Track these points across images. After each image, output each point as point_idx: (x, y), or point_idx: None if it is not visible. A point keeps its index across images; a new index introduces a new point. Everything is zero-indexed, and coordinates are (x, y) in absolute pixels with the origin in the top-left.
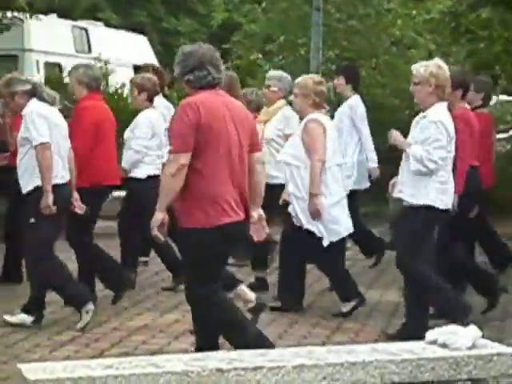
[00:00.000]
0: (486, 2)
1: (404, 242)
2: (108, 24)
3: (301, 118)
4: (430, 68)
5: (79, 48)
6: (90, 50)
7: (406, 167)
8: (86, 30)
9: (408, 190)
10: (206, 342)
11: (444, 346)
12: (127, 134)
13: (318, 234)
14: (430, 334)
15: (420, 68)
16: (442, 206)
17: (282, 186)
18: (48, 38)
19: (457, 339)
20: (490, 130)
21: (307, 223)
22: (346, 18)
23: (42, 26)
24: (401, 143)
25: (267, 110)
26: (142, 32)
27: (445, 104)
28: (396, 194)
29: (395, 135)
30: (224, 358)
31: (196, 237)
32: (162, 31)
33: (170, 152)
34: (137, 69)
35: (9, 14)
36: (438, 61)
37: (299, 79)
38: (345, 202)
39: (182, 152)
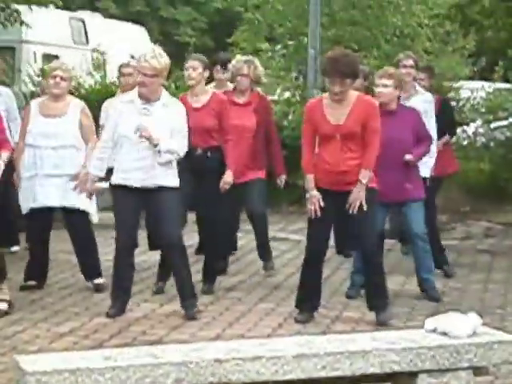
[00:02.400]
0: None
1: None
2: (106, 14)
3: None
4: (164, 60)
5: (77, 39)
6: (87, 41)
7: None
8: (83, 21)
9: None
10: None
11: (444, 334)
12: None
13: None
14: (430, 323)
15: (152, 60)
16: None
17: None
18: (45, 30)
19: (457, 327)
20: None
21: None
22: (348, 8)
23: (39, 18)
24: (153, 140)
25: None
26: (140, 22)
27: None
28: None
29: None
30: (222, 348)
31: None
32: (160, 21)
33: None
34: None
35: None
36: (158, 48)
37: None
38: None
39: None
